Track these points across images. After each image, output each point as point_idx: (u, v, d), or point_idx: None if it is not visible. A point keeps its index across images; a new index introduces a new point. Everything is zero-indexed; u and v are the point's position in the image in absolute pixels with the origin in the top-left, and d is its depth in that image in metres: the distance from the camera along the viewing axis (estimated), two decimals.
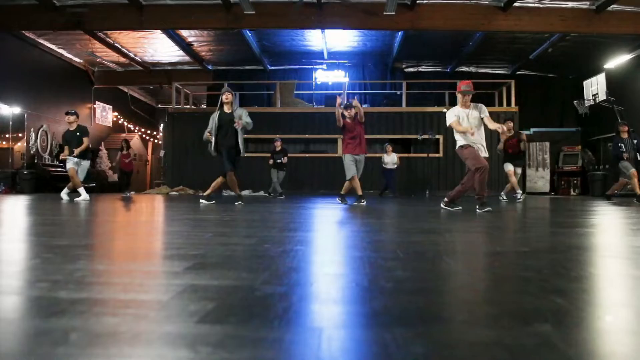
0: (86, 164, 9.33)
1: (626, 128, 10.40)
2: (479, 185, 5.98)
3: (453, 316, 1.19)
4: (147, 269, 1.75)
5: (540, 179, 18.20)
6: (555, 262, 2.05)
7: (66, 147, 9.29)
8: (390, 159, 14.15)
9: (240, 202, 7.80)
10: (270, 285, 1.48)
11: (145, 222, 4.39)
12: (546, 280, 1.65)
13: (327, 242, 2.75)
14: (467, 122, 6.16)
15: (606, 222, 4.66)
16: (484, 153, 6.17)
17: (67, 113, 9.40)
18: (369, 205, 7.57)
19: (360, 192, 8.04)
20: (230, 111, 7.82)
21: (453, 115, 6.27)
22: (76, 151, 9.06)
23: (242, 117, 7.72)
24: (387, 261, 1.99)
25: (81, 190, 9.06)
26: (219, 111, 7.89)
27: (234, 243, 2.49)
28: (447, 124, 6.37)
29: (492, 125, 6.05)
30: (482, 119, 6.24)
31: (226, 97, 7.79)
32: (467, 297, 1.39)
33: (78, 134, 9.19)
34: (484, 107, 6.33)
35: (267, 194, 14.03)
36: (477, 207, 5.89)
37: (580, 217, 5.20)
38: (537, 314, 1.20)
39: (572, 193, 17.91)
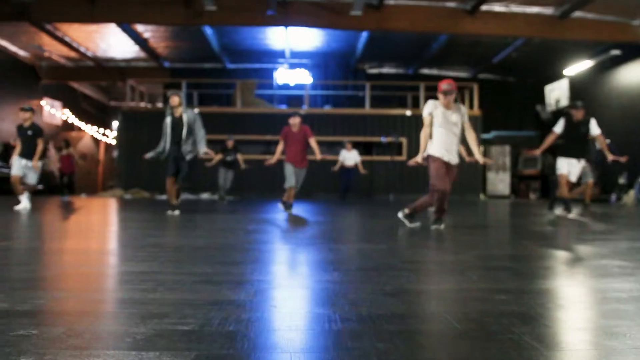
0: (35, 169, 8.36)
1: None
2: (438, 204, 5.36)
3: None
4: None
5: (500, 182, 18.26)
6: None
7: (17, 145, 8.33)
8: (352, 156, 13.49)
9: (172, 212, 7.15)
10: None
11: (93, 249, 3.81)
12: None
13: (304, 296, 2.28)
14: (440, 123, 5.43)
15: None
16: (455, 160, 5.42)
17: (22, 109, 8.46)
18: (327, 217, 7.16)
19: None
20: (179, 115, 7.15)
21: (427, 112, 5.43)
22: (34, 161, 8.19)
23: (196, 125, 7.11)
24: (443, 340, 1.56)
25: (23, 197, 8.15)
26: (170, 117, 7.19)
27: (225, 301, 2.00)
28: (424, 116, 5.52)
29: (474, 147, 5.51)
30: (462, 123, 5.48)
31: (172, 100, 7.11)
32: None
33: (30, 132, 8.25)
34: (464, 110, 5.52)
35: (219, 198, 12.86)
36: (433, 223, 5.36)
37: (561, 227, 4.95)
38: None
39: (531, 196, 18.06)
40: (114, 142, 21.77)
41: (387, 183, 16.27)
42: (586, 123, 7.55)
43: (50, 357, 1.31)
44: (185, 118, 7.06)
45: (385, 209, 10.08)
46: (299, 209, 8.77)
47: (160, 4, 12.96)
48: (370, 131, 16.54)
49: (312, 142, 7.89)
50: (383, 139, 15.66)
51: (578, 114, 7.55)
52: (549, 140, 7.80)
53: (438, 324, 1.69)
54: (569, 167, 7.60)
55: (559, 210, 7.99)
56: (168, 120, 7.13)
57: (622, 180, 13.76)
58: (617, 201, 13.40)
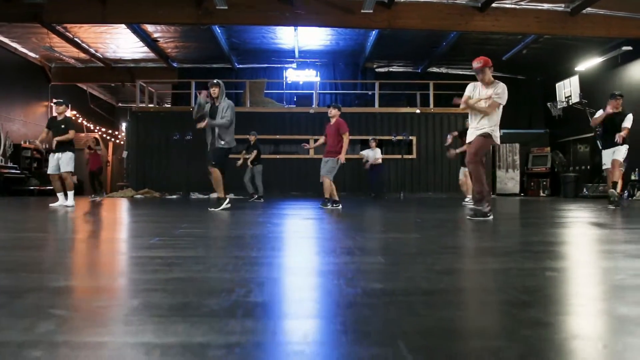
0: (68, 155, 8.47)
1: None
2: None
3: None
4: None
5: (510, 180, 18.21)
6: None
7: (45, 132, 8.51)
8: (373, 154, 13.47)
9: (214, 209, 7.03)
10: None
11: (131, 239, 3.82)
12: None
13: (358, 275, 2.28)
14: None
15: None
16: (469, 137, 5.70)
17: (56, 103, 8.69)
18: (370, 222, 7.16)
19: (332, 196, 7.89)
20: (217, 104, 7.25)
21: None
22: (55, 140, 8.30)
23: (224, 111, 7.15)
24: None
25: (61, 195, 8.37)
26: (210, 102, 7.30)
27: None
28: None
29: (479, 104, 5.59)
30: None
31: (213, 92, 7.21)
32: None
33: (63, 126, 8.42)
34: (500, 87, 5.57)
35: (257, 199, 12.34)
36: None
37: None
38: None
39: (541, 194, 18.02)
40: (122, 142, 21.85)
41: (397, 181, 16.28)
42: (622, 115, 7.83)
43: (160, 319, 1.33)
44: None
45: (399, 205, 10.09)
46: (313, 205, 8.78)
47: (171, 3, 13.00)
48: (380, 130, 16.55)
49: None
50: (394, 137, 15.67)
51: (613, 104, 7.85)
52: (598, 118, 8.25)
53: (504, 295, 1.70)
54: (608, 158, 8.08)
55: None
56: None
57: (634, 177, 13.75)
58: (629, 197, 13.38)
